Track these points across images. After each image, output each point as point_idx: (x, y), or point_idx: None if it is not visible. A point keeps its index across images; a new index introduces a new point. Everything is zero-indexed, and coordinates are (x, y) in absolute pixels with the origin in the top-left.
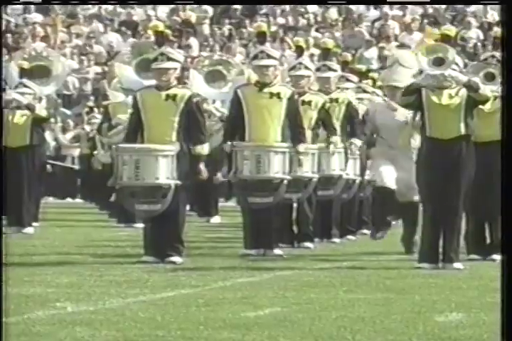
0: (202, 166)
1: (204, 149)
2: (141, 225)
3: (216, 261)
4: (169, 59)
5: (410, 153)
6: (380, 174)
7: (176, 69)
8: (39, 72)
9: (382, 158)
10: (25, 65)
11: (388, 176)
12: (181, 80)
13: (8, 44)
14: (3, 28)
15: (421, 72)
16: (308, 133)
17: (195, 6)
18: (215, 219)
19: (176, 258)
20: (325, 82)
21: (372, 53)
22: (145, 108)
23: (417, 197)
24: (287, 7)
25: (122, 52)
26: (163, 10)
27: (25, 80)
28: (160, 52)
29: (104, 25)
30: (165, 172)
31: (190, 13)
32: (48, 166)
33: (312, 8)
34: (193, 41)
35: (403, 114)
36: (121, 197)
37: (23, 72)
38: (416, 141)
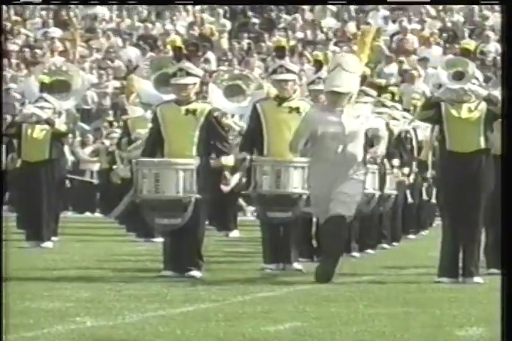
0: (227, 174)
1: (229, 160)
2: (160, 240)
3: (235, 275)
4: (188, 74)
5: (353, 167)
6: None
7: (195, 84)
8: (59, 87)
9: (318, 173)
10: (46, 79)
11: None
12: (200, 95)
13: (27, 58)
14: (22, 42)
15: (440, 85)
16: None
17: (214, 19)
18: (234, 234)
19: (196, 273)
20: None
21: (391, 68)
22: (165, 122)
23: (342, 211)
24: (305, 20)
25: (141, 67)
26: (181, 24)
27: (45, 95)
28: (179, 67)
29: (122, 40)
30: (185, 186)
31: (209, 27)
32: (67, 180)
33: (330, 22)
34: (211, 55)
35: (350, 124)
36: (142, 211)
37: (43, 87)
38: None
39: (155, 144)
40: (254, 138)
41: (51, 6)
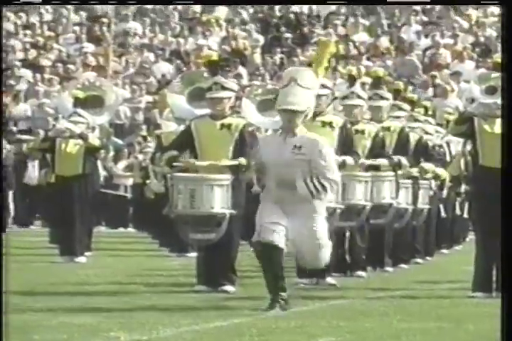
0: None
1: None
2: (193, 254)
3: None
4: (223, 88)
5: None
6: (262, 225)
7: (230, 98)
8: (92, 102)
9: (270, 202)
10: (80, 94)
11: (272, 228)
12: (234, 109)
13: (60, 74)
14: (55, 57)
15: (473, 100)
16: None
17: (246, 34)
18: None
19: (229, 287)
20: (377, 110)
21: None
22: (200, 137)
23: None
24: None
25: (173, 82)
26: (214, 39)
27: (78, 110)
28: (214, 81)
29: (155, 55)
30: (220, 202)
31: (242, 42)
32: (100, 195)
33: (362, 36)
34: (242, 70)
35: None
36: (176, 226)
37: (77, 102)
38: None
39: (180, 150)
40: None
41: (84, 21)
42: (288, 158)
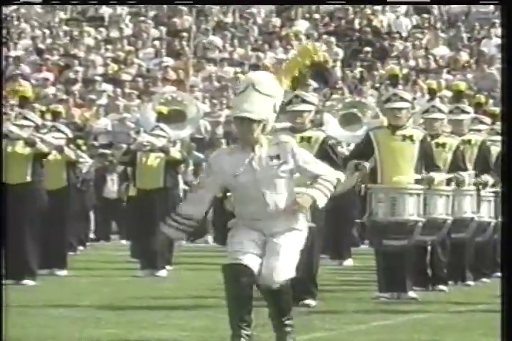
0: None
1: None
2: None
3: (350, 304)
4: (304, 101)
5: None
6: (231, 245)
7: (310, 111)
8: (174, 117)
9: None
10: (164, 109)
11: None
12: (314, 123)
13: (140, 88)
14: (135, 72)
15: None
16: (443, 176)
17: (326, 48)
18: (348, 262)
19: (310, 301)
20: (458, 124)
21: None
22: None
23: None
24: (418, 49)
25: None
26: (293, 53)
27: (161, 124)
28: (294, 94)
29: (234, 69)
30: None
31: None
32: None
33: (442, 50)
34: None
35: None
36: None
37: (160, 117)
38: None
39: None
40: (359, 156)
41: (164, 36)
42: (271, 174)
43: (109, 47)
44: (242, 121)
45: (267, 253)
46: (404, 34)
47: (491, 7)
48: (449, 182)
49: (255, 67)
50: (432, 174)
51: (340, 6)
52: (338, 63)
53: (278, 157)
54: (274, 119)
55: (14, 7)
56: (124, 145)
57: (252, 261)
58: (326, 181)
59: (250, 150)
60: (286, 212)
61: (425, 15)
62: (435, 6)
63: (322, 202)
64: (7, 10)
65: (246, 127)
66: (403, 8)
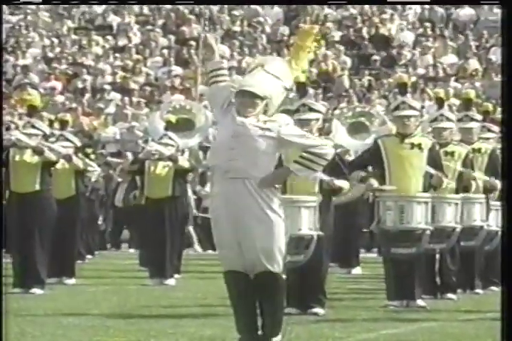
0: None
1: (345, 184)
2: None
3: (359, 312)
4: (311, 110)
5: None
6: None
7: (318, 120)
8: (183, 125)
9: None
10: (172, 118)
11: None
12: (323, 131)
13: (148, 96)
14: (143, 80)
15: None
16: (453, 185)
17: (335, 56)
18: (357, 270)
19: (319, 310)
20: (467, 132)
21: None
22: (287, 158)
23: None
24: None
25: None
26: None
27: (169, 133)
28: (302, 103)
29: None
30: (307, 224)
31: (331, 62)
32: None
33: (451, 58)
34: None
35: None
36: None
37: (168, 125)
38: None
39: None
40: (365, 163)
41: (172, 45)
42: (251, 134)
43: (117, 55)
44: (244, 95)
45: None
46: (410, 44)
47: (499, 15)
48: (457, 190)
49: None
50: (441, 175)
51: (348, 14)
52: (346, 71)
53: (268, 129)
54: (279, 103)
55: (21, 16)
56: (131, 154)
57: (242, 264)
58: (311, 154)
59: (251, 118)
60: (261, 183)
61: (428, 24)
62: (443, 14)
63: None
64: (14, 18)
65: (248, 102)
66: (411, 16)
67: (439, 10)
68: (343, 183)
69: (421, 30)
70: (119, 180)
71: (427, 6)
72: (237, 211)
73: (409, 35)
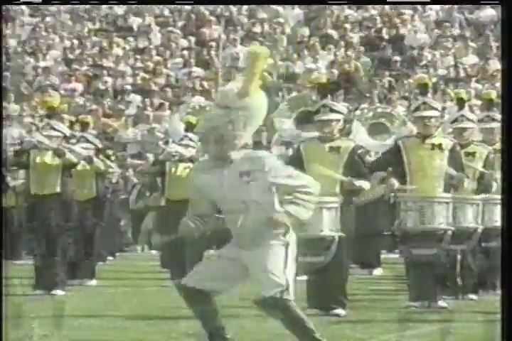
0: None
1: (365, 185)
2: (303, 278)
3: (380, 313)
4: (332, 111)
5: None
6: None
7: (338, 120)
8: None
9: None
10: (192, 119)
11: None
12: (344, 132)
13: (168, 98)
14: (164, 82)
15: None
16: (474, 185)
17: (354, 56)
18: (378, 271)
19: (340, 311)
20: (489, 132)
21: None
22: (308, 159)
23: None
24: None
25: (281, 105)
26: (322, 63)
27: (190, 134)
28: (322, 104)
29: None
30: (328, 224)
31: (354, 63)
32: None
33: (472, 59)
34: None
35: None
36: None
37: (188, 126)
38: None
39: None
40: (386, 164)
41: (193, 46)
42: (239, 189)
43: (137, 57)
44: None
45: (250, 268)
46: (428, 44)
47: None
48: (477, 191)
49: (283, 77)
50: (462, 175)
51: (368, 14)
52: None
53: (248, 173)
54: (249, 133)
55: (39, 18)
56: (152, 156)
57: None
58: (303, 193)
59: (227, 164)
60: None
61: (448, 24)
62: (463, 15)
63: (303, 215)
64: (34, 20)
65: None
66: (432, 17)
67: (459, 11)
68: (363, 183)
69: (440, 31)
70: (135, 181)
71: (446, 6)
72: None
73: (428, 36)
